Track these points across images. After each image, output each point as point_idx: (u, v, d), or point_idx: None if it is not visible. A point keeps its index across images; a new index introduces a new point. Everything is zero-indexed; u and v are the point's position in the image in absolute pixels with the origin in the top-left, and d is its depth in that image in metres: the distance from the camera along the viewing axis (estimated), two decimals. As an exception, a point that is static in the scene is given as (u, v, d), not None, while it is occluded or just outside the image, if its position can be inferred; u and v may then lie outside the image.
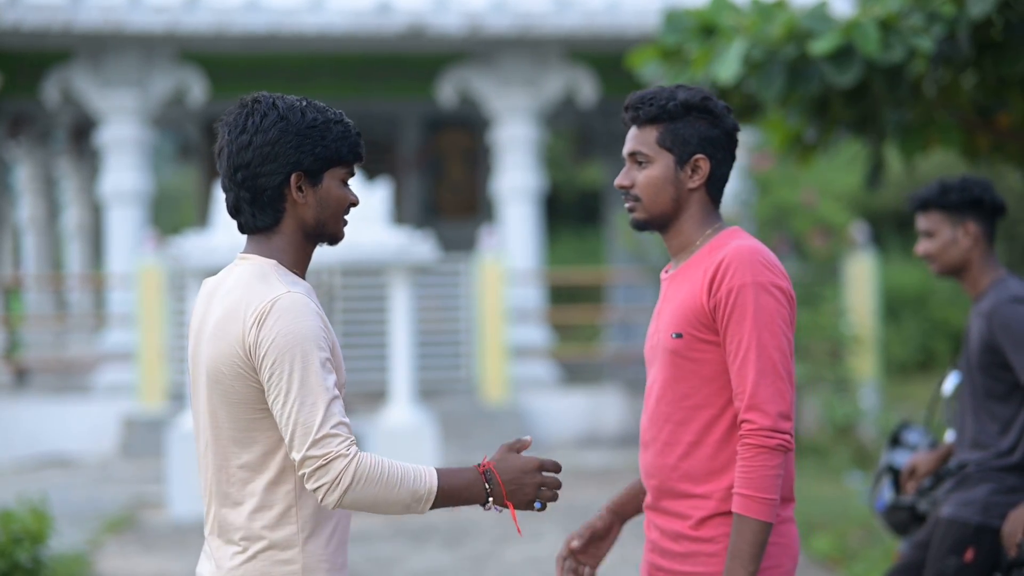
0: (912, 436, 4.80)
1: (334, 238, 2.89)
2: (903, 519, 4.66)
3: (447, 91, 13.00)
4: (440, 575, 7.45)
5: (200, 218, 16.96)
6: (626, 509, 3.19)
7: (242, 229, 2.88)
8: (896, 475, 4.69)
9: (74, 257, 18.03)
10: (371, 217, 9.18)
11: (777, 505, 2.86)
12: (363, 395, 11.56)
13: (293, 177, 2.80)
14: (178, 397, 11.79)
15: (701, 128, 2.96)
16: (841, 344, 11.59)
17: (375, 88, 14.58)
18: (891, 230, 17.29)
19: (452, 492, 2.69)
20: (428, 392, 12.08)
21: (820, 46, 5.12)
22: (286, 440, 2.64)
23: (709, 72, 5.55)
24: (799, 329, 11.30)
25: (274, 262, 2.81)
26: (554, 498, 2.76)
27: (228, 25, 12.16)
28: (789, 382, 2.88)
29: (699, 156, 2.97)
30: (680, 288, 2.96)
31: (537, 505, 2.75)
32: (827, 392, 11.25)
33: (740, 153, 12.06)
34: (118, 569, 7.66)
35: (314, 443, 2.60)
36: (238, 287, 2.77)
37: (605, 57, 13.05)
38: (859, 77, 5.16)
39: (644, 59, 5.96)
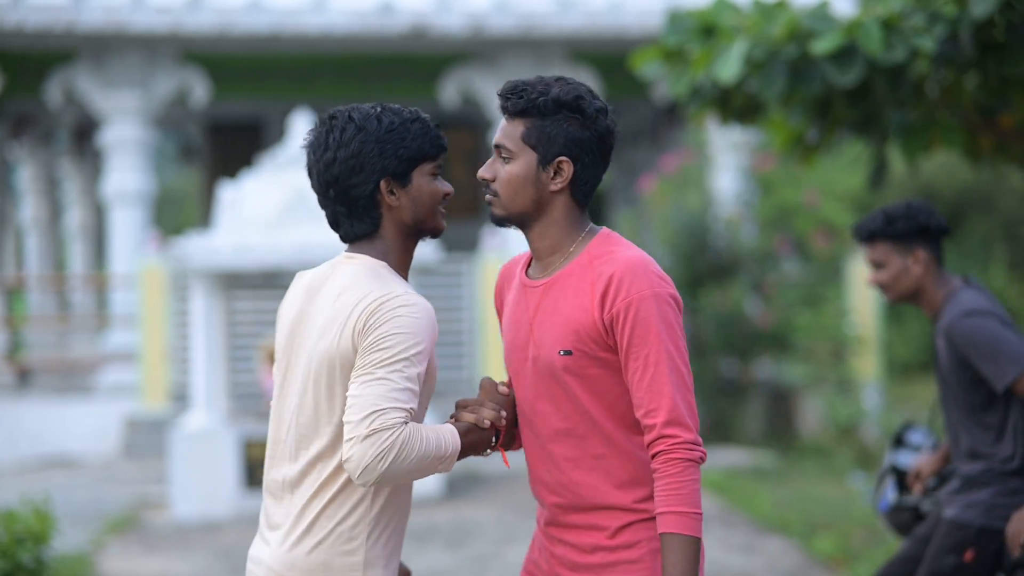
0: (915, 437, 4.80)
1: (435, 231, 2.94)
2: (906, 520, 4.66)
3: (449, 91, 13.01)
4: None
5: (202, 218, 16.98)
6: None
7: (344, 239, 2.95)
8: (899, 476, 4.69)
9: (77, 257, 18.04)
10: (373, 217, 9.18)
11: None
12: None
13: (383, 183, 2.86)
14: (181, 397, 11.79)
15: (570, 129, 2.81)
16: (844, 344, 11.58)
17: (377, 89, 14.58)
18: (894, 230, 17.25)
19: (468, 448, 2.85)
20: (430, 392, 12.06)
21: (822, 46, 5.12)
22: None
23: (710, 72, 5.55)
24: (801, 330, 11.30)
25: (386, 264, 2.88)
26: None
27: (231, 26, 12.16)
28: (693, 394, 2.82)
29: (562, 158, 2.82)
30: (562, 300, 2.81)
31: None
32: (830, 393, 11.24)
33: (743, 154, 12.05)
34: (121, 569, 7.66)
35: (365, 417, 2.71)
36: (353, 284, 2.84)
37: (607, 58, 13.05)
38: (861, 77, 5.16)
39: (646, 60, 5.97)
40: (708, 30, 5.68)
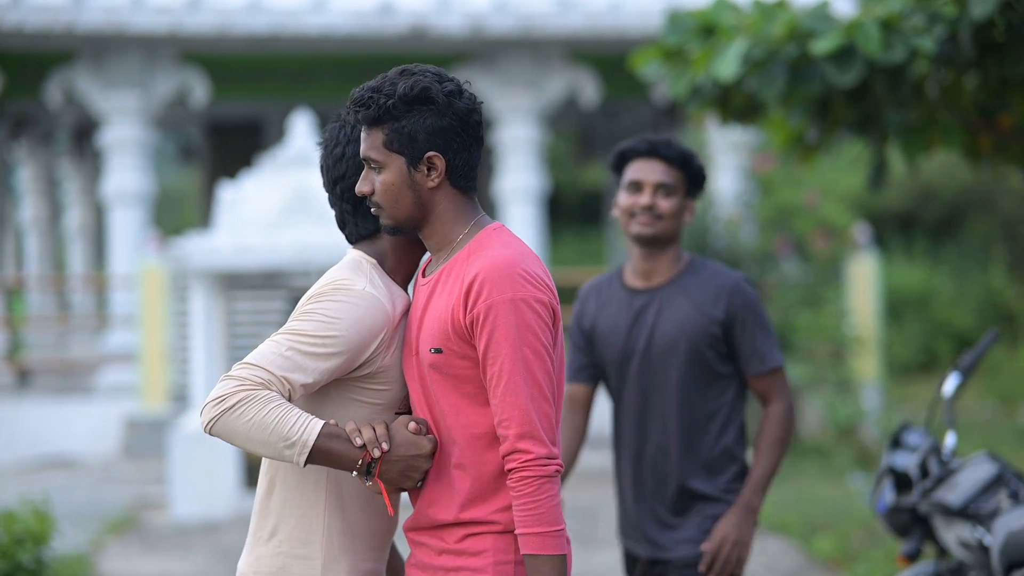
0: (913, 438, 4.80)
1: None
2: (904, 521, 4.66)
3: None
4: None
5: (202, 219, 16.98)
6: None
7: (349, 239, 2.91)
8: (897, 477, 4.69)
9: (76, 258, 18.03)
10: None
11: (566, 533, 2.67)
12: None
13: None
14: (180, 398, 11.80)
15: (428, 122, 2.71)
16: (843, 345, 11.58)
17: (377, 89, 14.56)
18: (893, 231, 17.29)
19: (328, 453, 2.67)
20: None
21: (821, 46, 5.12)
22: None
23: (710, 72, 5.55)
24: (800, 330, 11.30)
25: (374, 261, 2.84)
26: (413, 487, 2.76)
27: (230, 26, 12.16)
28: (554, 404, 2.68)
29: (431, 153, 2.72)
30: (438, 297, 2.73)
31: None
32: (829, 393, 11.24)
33: (743, 154, 12.02)
34: (120, 570, 7.66)
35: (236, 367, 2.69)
36: (330, 272, 2.83)
37: (607, 58, 13.05)
38: (860, 77, 5.16)
39: (646, 60, 5.97)
40: (708, 30, 5.68)
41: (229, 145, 17.09)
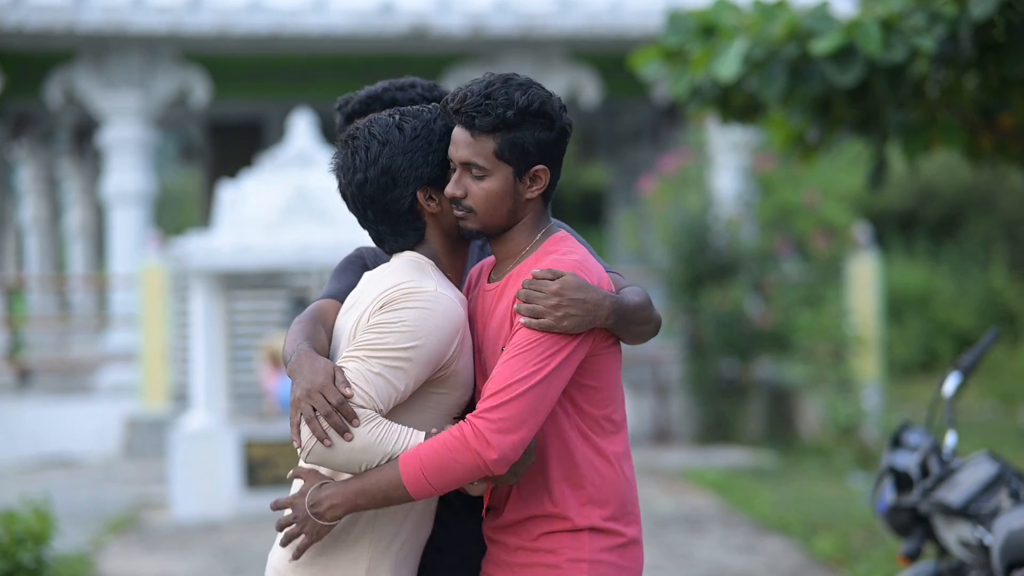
0: (913, 437, 4.79)
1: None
2: (905, 520, 4.65)
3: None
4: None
5: (203, 219, 16.98)
6: None
7: (391, 254, 2.85)
8: (897, 476, 4.68)
9: (77, 258, 18.04)
10: (373, 218, 9.19)
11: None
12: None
13: (419, 194, 2.77)
14: (181, 398, 11.79)
15: (539, 135, 2.73)
16: (844, 345, 11.58)
17: (378, 89, 14.56)
18: (894, 231, 17.29)
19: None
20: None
21: (821, 46, 5.12)
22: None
23: (710, 72, 5.55)
24: (801, 330, 11.30)
25: (431, 262, 2.80)
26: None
27: (231, 26, 12.16)
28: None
29: (539, 167, 2.75)
30: (505, 301, 2.76)
31: None
32: (830, 393, 11.24)
33: (743, 154, 11.99)
34: (121, 570, 7.66)
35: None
36: (393, 273, 2.76)
37: (608, 58, 13.05)
38: (861, 77, 5.16)
39: (646, 60, 5.97)
40: (708, 30, 5.68)
41: (229, 145, 17.10)
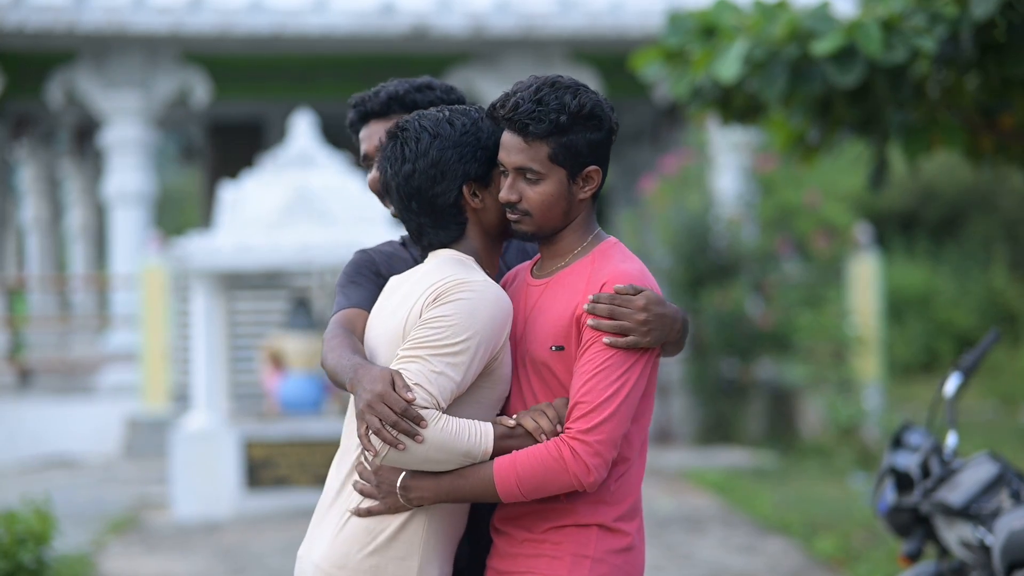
0: (914, 438, 4.79)
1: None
2: (906, 521, 4.65)
3: (451, 92, 13.00)
4: None
5: (203, 219, 16.98)
6: None
7: (428, 249, 2.88)
8: (898, 477, 4.68)
9: (78, 258, 18.04)
10: (374, 217, 9.19)
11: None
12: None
13: (465, 188, 2.80)
14: (181, 398, 11.80)
15: (591, 136, 2.80)
16: (845, 345, 11.58)
17: (379, 89, 14.56)
18: (895, 231, 17.29)
19: (506, 452, 2.73)
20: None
21: (822, 46, 5.12)
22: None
23: (711, 72, 5.55)
24: (801, 330, 11.31)
25: (471, 257, 2.83)
26: None
27: (232, 26, 12.16)
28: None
29: (592, 168, 2.83)
30: (553, 298, 2.82)
31: None
32: (831, 393, 11.24)
33: (744, 154, 11.97)
34: (121, 570, 7.66)
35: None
36: (435, 269, 2.78)
37: (608, 58, 13.05)
38: (861, 77, 5.16)
39: (647, 60, 5.97)
40: (709, 31, 5.68)
41: (230, 145, 17.10)
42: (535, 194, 2.79)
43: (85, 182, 18.00)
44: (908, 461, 4.67)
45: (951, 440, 4.65)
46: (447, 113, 2.82)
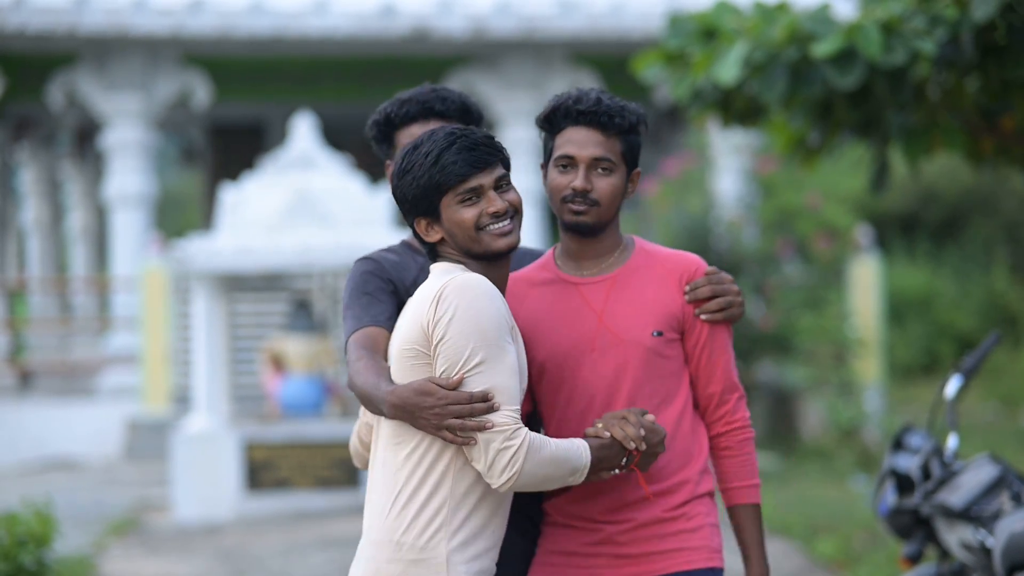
0: (915, 440, 4.79)
1: (485, 255, 2.87)
2: (906, 523, 4.65)
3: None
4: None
5: (204, 221, 16.98)
6: None
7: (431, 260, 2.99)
8: (899, 479, 4.68)
9: (78, 260, 18.05)
10: (375, 219, 9.19)
11: None
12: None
13: (415, 225, 2.88)
14: (182, 400, 11.80)
15: (640, 141, 3.06)
16: (845, 347, 11.57)
17: (379, 91, 14.53)
18: (896, 233, 17.28)
19: (597, 463, 2.83)
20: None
21: (822, 49, 5.12)
22: None
23: (711, 75, 5.55)
24: (802, 332, 11.30)
25: (462, 266, 2.88)
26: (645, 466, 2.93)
27: (232, 28, 12.17)
28: None
29: (637, 170, 3.08)
30: (639, 290, 3.04)
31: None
32: (831, 395, 11.23)
33: (744, 157, 11.94)
34: (122, 572, 7.66)
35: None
36: (428, 281, 2.87)
37: (609, 60, 13.05)
38: (861, 80, 5.16)
39: (647, 63, 5.97)
40: (709, 33, 5.69)
41: (231, 147, 17.10)
42: (607, 185, 3.00)
43: (86, 184, 18.00)
44: (909, 463, 4.67)
45: (952, 442, 4.65)
46: (409, 147, 2.86)
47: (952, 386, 4.73)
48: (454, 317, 2.73)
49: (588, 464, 2.80)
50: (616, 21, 12.38)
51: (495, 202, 2.82)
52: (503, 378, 2.74)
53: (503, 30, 12.37)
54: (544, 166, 3.09)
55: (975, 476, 4.44)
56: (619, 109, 3.00)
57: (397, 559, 2.78)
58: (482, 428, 2.70)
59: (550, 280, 3.08)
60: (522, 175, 12.91)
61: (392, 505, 2.80)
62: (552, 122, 3.04)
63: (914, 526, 4.62)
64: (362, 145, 16.25)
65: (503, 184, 2.85)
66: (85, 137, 17.23)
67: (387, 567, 2.79)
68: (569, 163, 3.00)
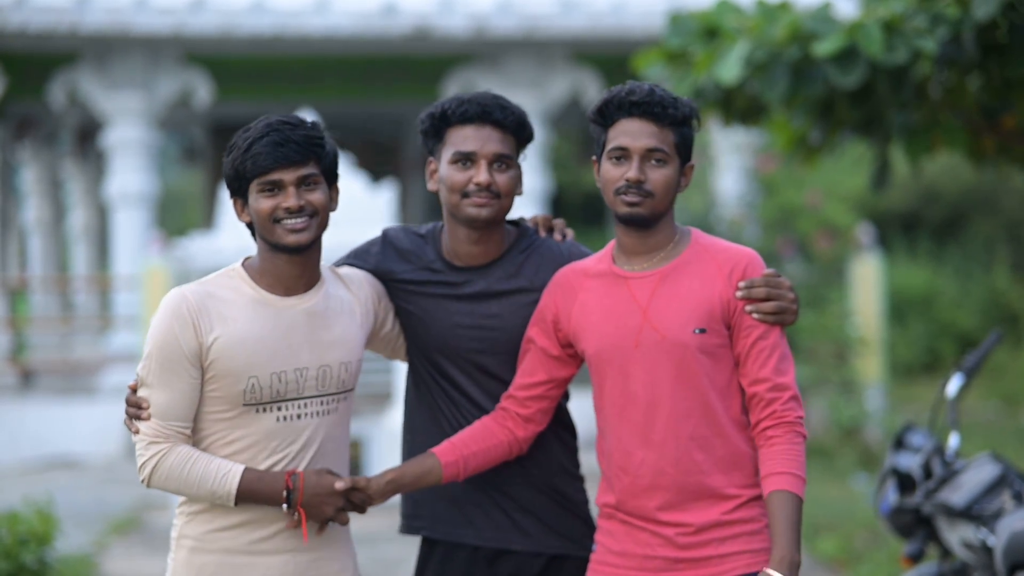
0: (916, 439, 4.80)
1: (276, 247, 3.07)
2: (908, 522, 4.65)
3: (452, 93, 12.97)
4: (445, 577, 7.44)
5: (206, 219, 16.98)
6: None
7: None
8: (900, 478, 4.69)
9: (80, 259, 18.05)
10: (376, 218, 9.20)
11: None
12: (367, 397, 11.57)
13: (231, 202, 3.10)
14: (183, 399, 11.78)
15: (693, 135, 3.06)
16: (847, 346, 11.57)
17: (381, 90, 14.58)
18: (897, 232, 17.28)
19: (253, 494, 2.98)
20: (433, 394, 12.05)
21: (824, 47, 5.12)
22: None
23: (712, 74, 5.55)
24: (803, 331, 11.30)
25: (240, 266, 3.18)
26: (345, 521, 3.06)
27: (234, 27, 12.17)
28: None
29: (690, 164, 3.06)
30: (685, 286, 3.00)
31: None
32: (833, 394, 11.23)
33: (745, 155, 11.97)
34: (123, 571, 7.67)
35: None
36: None
37: (610, 59, 13.05)
38: (863, 79, 5.16)
39: (648, 62, 5.97)
40: (710, 32, 5.69)
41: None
42: (661, 176, 2.99)
43: (87, 183, 18.01)
44: (910, 462, 4.68)
45: (953, 441, 4.65)
46: (245, 129, 3.13)
47: (953, 385, 4.73)
48: (150, 327, 3.04)
49: (233, 492, 2.98)
50: (617, 20, 12.38)
51: (291, 198, 3.00)
52: (156, 394, 3.08)
53: (504, 29, 12.37)
54: (596, 160, 3.09)
55: (976, 475, 4.44)
56: (672, 100, 2.99)
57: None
58: (134, 430, 3.13)
59: (603, 272, 3.10)
60: (526, 175, 12.91)
61: None
62: (605, 115, 3.03)
63: (915, 525, 4.63)
64: (363, 144, 16.26)
65: (309, 183, 3.02)
66: (86, 136, 17.23)
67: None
68: (623, 155, 2.99)
